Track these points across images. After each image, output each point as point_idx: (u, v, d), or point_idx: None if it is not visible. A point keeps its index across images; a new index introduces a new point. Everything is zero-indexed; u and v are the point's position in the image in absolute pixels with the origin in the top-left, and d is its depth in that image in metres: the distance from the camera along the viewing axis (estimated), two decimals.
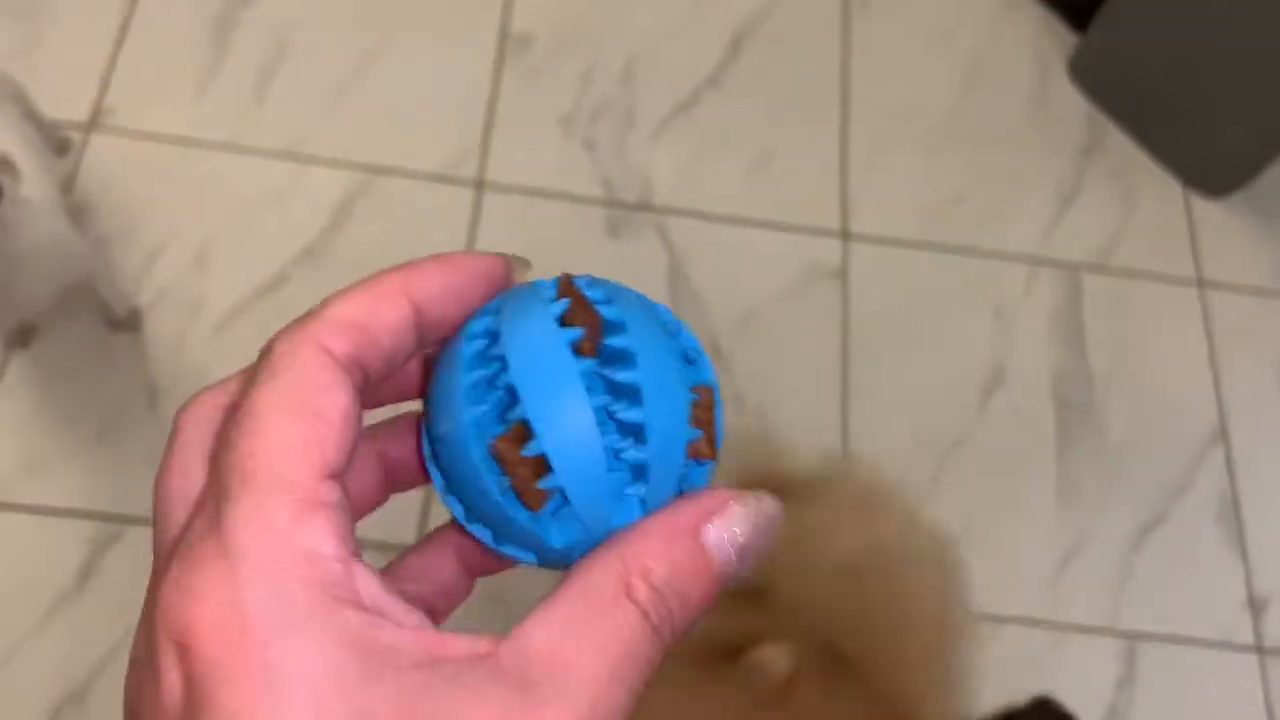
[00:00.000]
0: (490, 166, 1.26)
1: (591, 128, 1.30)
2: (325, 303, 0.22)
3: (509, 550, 0.23)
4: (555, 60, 1.34)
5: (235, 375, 0.22)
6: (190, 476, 0.21)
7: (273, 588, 0.18)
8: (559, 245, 1.24)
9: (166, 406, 1.10)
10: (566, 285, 0.23)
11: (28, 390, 1.09)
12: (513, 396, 0.22)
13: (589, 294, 0.23)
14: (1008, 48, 1.41)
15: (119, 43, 1.26)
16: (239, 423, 0.20)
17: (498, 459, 0.21)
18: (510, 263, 0.25)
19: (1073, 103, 1.39)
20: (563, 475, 0.21)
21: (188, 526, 0.20)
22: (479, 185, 1.25)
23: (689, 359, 0.24)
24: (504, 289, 0.24)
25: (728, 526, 0.22)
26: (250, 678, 0.17)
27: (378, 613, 0.19)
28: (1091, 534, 1.16)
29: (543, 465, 0.21)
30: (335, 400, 0.20)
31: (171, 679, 0.18)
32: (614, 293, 0.23)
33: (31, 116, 1.07)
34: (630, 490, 0.22)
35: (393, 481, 0.26)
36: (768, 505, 0.23)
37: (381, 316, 0.22)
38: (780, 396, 1.18)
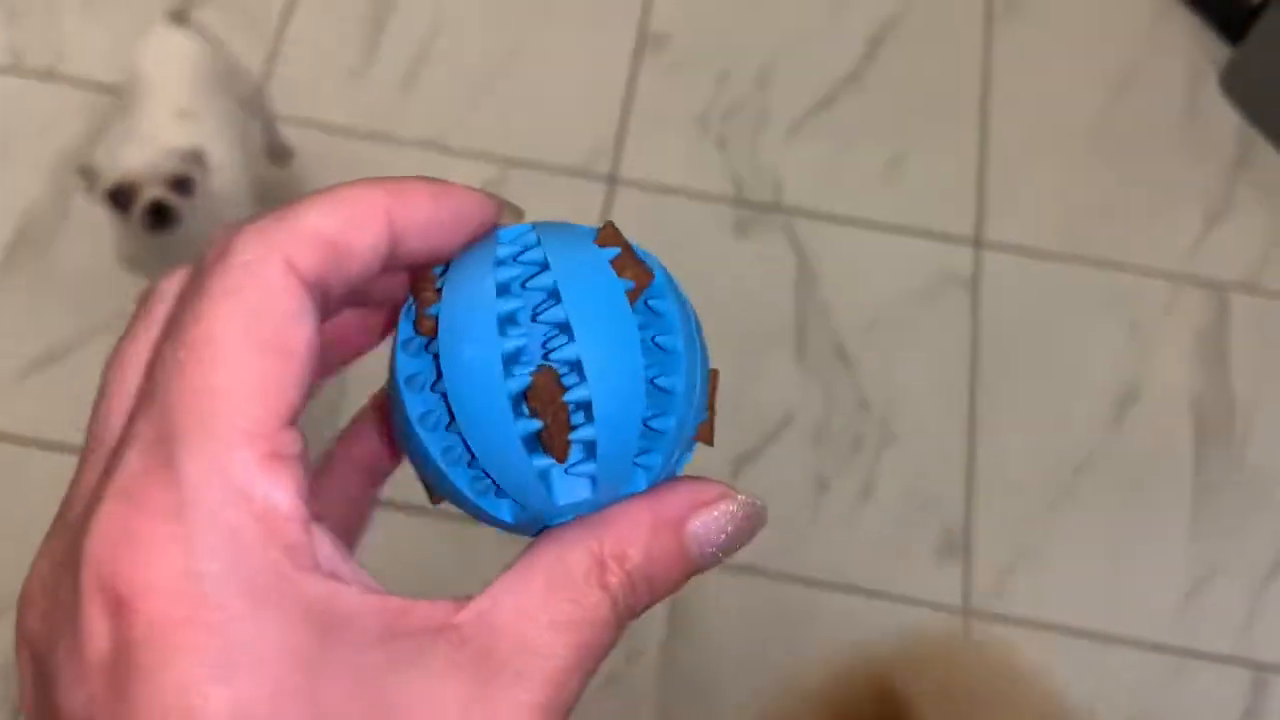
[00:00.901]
0: (624, 162, 1.29)
1: (725, 126, 1.32)
2: (298, 207, 0.19)
3: (485, 503, 0.21)
4: (691, 60, 1.35)
5: None
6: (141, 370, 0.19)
7: (233, 558, 0.16)
8: (687, 242, 1.25)
9: None
10: (614, 233, 0.21)
11: None
12: (557, 334, 0.20)
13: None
14: (1158, 57, 1.37)
15: (280, 32, 1.32)
16: (193, 343, 0.17)
17: (533, 397, 0.20)
18: (503, 207, 0.23)
19: (1224, 116, 1.34)
20: (602, 427, 0.20)
21: (124, 446, 0.18)
22: (612, 180, 1.28)
23: (701, 338, 0.22)
24: (487, 232, 0.22)
25: (715, 523, 0.21)
26: (202, 653, 0.16)
27: (335, 578, 0.18)
28: (1224, 561, 1.13)
29: (575, 414, 0.20)
30: (302, 333, 0.18)
31: (98, 633, 0.17)
32: (645, 253, 0.22)
33: (258, 112, 1.15)
34: (643, 459, 0.21)
35: (369, 481, 0.25)
36: (755, 506, 0.21)
37: (357, 237, 0.19)
38: (906, 403, 1.18)
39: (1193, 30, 1.39)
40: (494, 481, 0.21)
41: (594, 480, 0.20)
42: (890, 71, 1.35)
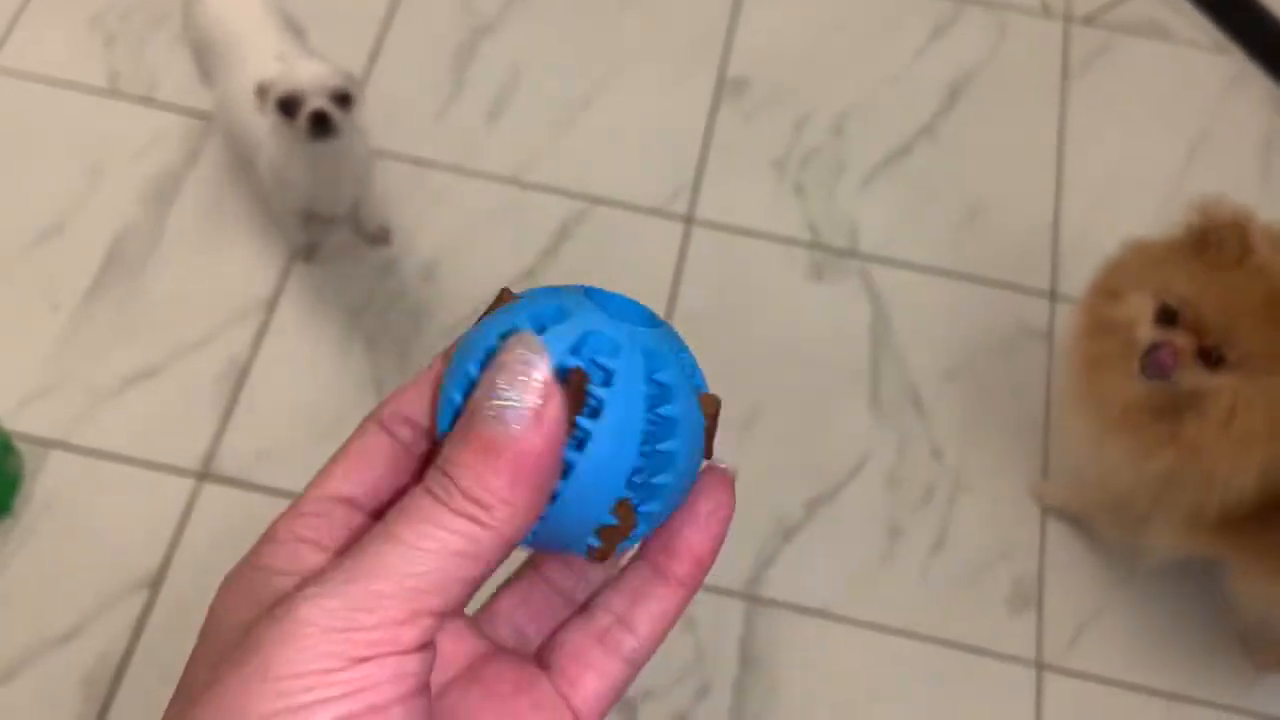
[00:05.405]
0: (701, 203, 1.31)
1: (802, 172, 1.33)
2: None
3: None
4: (769, 105, 1.37)
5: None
6: None
7: (236, 569, 0.24)
8: (764, 283, 1.26)
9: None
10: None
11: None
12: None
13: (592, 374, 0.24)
14: (1233, 121, 1.38)
15: (368, 69, 1.35)
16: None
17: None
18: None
19: None
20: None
21: None
22: (689, 220, 1.29)
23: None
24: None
25: (488, 391, 0.23)
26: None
27: (292, 572, 0.23)
28: None
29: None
30: (353, 445, 0.26)
31: None
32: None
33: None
34: (643, 508, 0.25)
35: None
36: (524, 337, 0.23)
37: (424, 385, 0.26)
38: (980, 453, 1.18)
39: (1267, 93, 1.40)
40: None
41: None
42: (966, 123, 1.37)
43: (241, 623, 0.22)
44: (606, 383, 0.23)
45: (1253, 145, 1.37)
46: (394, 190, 1.28)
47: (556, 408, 0.22)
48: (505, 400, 0.22)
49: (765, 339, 1.22)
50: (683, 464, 0.24)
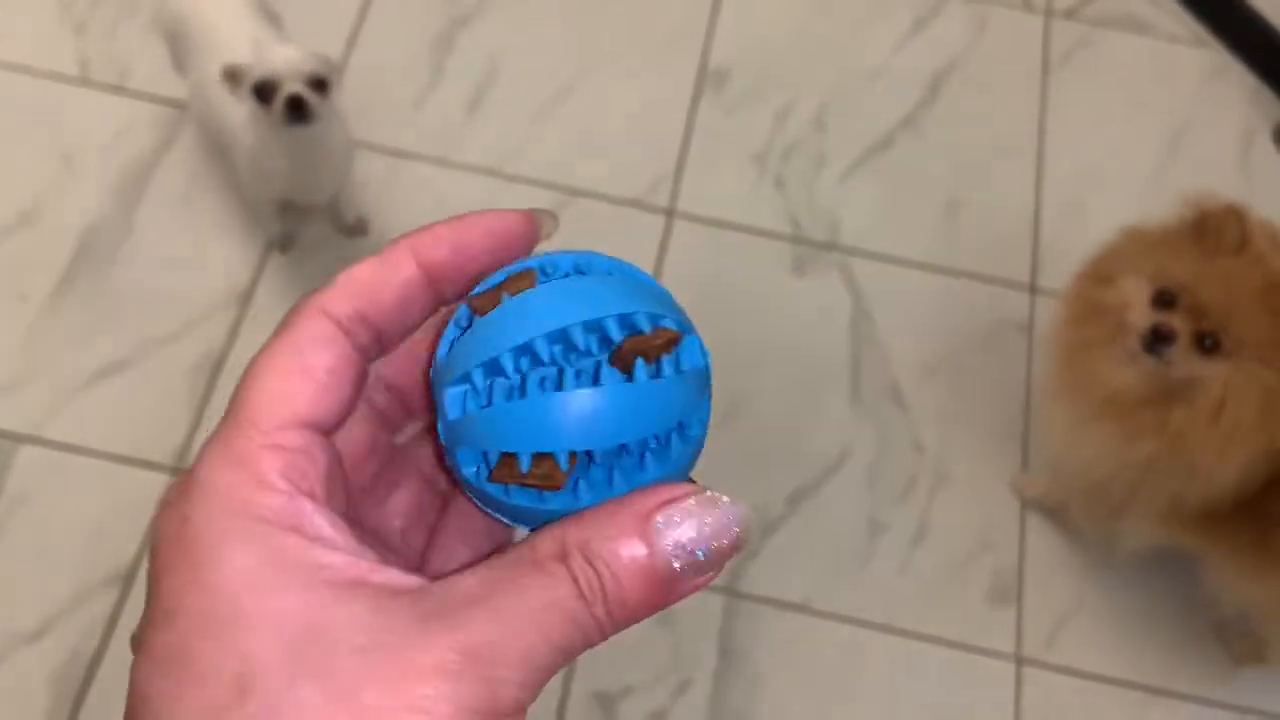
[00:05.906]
0: (682, 196, 1.30)
1: (783, 165, 1.33)
2: (340, 271, 0.24)
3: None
4: (751, 97, 1.37)
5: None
6: None
7: (213, 507, 0.21)
8: (743, 277, 1.26)
9: None
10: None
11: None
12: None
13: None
14: (1213, 114, 1.39)
15: (345, 58, 1.34)
16: (247, 369, 0.24)
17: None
18: (535, 219, 0.26)
19: (1277, 171, 1.35)
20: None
21: None
22: (670, 213, 1.29)
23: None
24: (529, 242, 0.26)
25: (678, 515, 0.22)
26: (183, 570, 0.21)
27: (317, 540, 0.21)
28: None
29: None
30: (321, 359, 0.23)
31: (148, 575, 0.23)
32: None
33: None
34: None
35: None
36: (732, 510, 0.22)
37: (386, 278, 0.24)
38: (960, 447, 1.18)
39: (1248, 88, 1.41)
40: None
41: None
42: (947, 117, 1.37)
43: (267, 583, 0.21)
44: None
45: (1232, 138, 1.38)
46: (372, 181, 1.27)
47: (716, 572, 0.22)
48: (695, 553, 0.22)
49: (746, 332, 1.22)
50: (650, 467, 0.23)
